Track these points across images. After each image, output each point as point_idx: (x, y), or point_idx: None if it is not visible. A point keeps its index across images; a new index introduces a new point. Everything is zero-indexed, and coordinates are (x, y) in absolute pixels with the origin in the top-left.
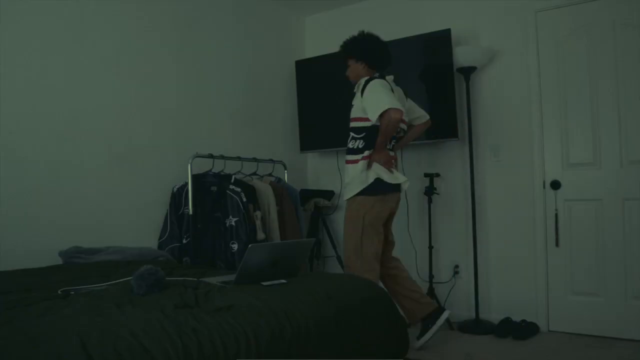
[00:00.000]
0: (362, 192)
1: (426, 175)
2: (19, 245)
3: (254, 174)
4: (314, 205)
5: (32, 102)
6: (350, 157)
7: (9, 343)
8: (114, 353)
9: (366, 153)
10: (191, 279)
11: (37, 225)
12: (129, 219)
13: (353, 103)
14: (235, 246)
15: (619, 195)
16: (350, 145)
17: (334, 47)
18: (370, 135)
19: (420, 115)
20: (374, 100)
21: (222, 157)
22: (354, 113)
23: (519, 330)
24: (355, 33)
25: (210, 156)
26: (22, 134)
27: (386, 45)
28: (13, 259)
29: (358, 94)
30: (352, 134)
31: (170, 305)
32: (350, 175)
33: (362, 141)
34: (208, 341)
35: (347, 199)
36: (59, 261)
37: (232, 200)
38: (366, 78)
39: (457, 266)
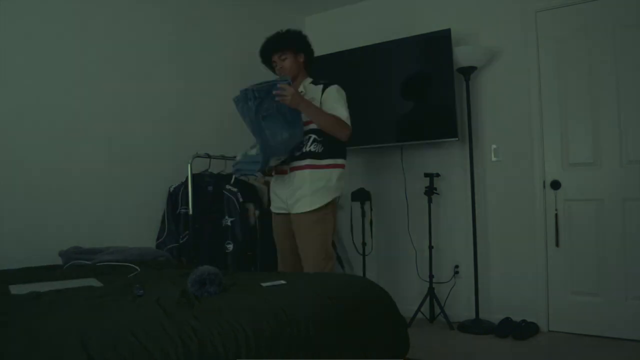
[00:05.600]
0: (331, 201)
1: (426, 175)
2: (18, 245)
3: None
4: None
5: (32, 102)
6: (312, 162)
7: (9, 343)
8: (114, 353)
9: (331, 161)
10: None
11: (36, 225)
12: (129, 219)
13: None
14: (230, 246)
15: (619, 195)
16: (311, 148)
17: (334, 47)
18: (329, 140)
19: None
20: (345, 110)
21: (222, 157)
22: None
23: (519, 330)
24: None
25: (209, 156)
26: (22, 134)
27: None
28: (13, 258)
29: (312, 95)
30: (313, 135)
31: (171, 305)
32: (313, 183)
33: (321, 145)
34: (208, 341)
35: (308, 211)
36: (59, 261)
37: (228, 200)
38: (312, 79)
39: (457, 266)
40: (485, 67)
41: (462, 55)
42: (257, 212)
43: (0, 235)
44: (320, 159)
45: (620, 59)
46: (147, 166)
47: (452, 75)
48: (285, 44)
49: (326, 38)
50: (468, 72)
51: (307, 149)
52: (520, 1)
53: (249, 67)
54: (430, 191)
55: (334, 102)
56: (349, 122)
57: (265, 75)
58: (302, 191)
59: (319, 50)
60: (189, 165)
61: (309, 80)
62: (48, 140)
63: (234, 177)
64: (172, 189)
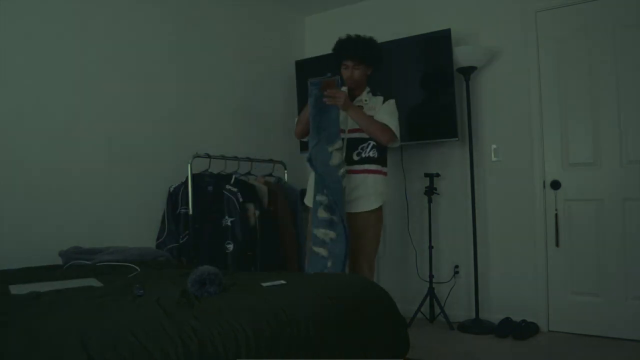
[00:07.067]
0: (381, 206)
1: (426, 175)
2: (18, 245)
3: (249, 173)
4: None
5: (31, 102)
6: (371, 167)
7: (9, 343)
8: (114, 353)
9: (383, 168)
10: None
11: (36, 225)
12: (129, 219)
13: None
14: (230, 246)
15: (619, 195)
16: (370, 153)
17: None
18: (382, 149)
19: None
20: (396, 121)
21: (222, 157)
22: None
23: (519, 330)
24: (360, 35)
25: (209, 156)
26: (22, 134)
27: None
28: (13, 258)
29: (373, 105)
30: (372, 142)
31: (171, 305)
32: (374, 186)
33: (376, 151)
34: (208, 341)
35: (372, 209)
36: (59, 261)
37: (228, 200)
38: (371, 92)
39: (457, 266)
40: (485, 67)
41: (462, 55)
42: (257, 212)
43: (0, 235)
44: (377, 164)
45: (620, 59)
46: (147, 166)
47: (452, 75)
48: (365, 57)
49: (326, 38)
50: (468, 72)
51: (367, 154)
52: (520, 1)
53: (249, 67)
54: (430, 191)
55: (389, 115)
56: (397, 132)
57: (263, 75)
58: (359, 192)
59: (319, 50)
60: (189, 165)
61: (368, 89)
62: (48, 140)
63: (233, 177)
64: (172, 189)
